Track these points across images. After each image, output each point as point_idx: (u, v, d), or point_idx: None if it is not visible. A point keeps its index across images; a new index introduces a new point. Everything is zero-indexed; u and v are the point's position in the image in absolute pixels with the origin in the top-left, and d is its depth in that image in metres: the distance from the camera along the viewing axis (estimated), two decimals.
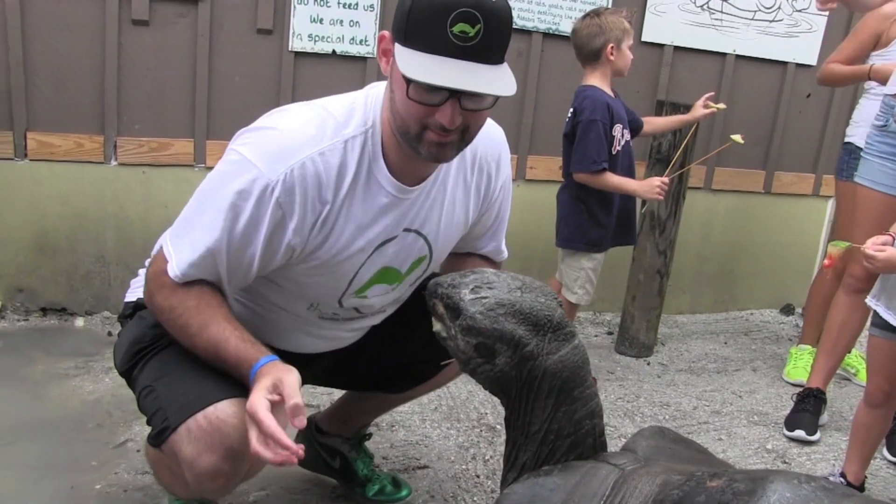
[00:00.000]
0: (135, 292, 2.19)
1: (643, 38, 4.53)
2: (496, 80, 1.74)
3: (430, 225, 2.09)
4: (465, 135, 1.84)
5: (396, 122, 1.83)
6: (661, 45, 4.59)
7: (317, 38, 3.97)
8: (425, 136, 1.80)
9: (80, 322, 3.94)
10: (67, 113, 3.77)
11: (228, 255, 1.86)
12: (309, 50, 3.98)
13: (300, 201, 1.85)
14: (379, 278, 2.11)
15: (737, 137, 3.74)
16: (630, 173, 3.61)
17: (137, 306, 2.15)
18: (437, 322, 1.67)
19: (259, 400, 1.70)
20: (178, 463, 1.88)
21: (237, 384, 1.88)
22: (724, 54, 4.72)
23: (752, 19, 4.69)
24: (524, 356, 1.54)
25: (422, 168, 1.98)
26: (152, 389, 1.96)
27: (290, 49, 3.96)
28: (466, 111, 1.78)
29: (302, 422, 1.68)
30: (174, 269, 1.86)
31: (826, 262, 2.76)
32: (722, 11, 4.62)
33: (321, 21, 3.95)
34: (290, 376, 1.74)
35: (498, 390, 1.62)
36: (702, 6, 4.57)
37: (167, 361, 1.99)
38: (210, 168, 3.85)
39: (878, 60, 3.69)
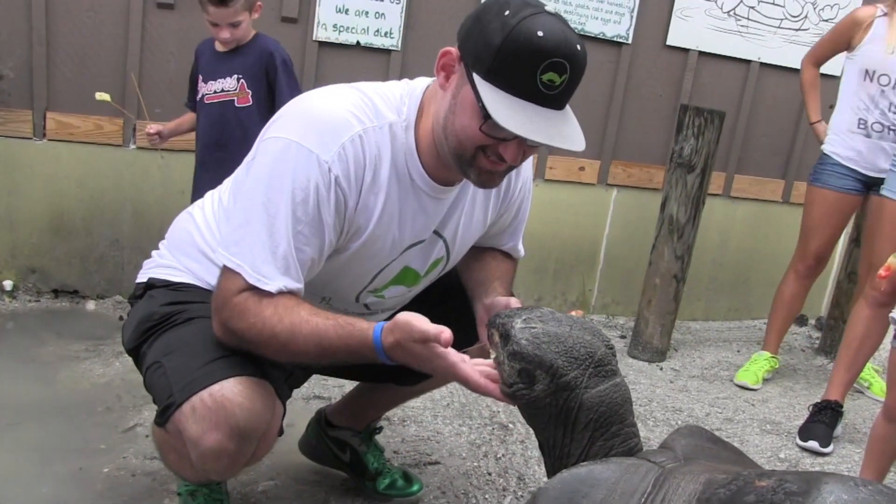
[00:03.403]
0: (146, 273, 2.16)
1: (668, 42, 4.51)
2: (574, 133, 1.76)
3: (450, 227, 2.07)
4: (516, 162, 1.83)
5: (450, 143, 1.79)
6: (685, 50, 4.56)
7: (342, 29, 3.95)
8: (478, 160, 1.78)
9: (91, 305, 3.93)
10: (88, 94, 3.74)
11: (303, 244, 1.80)
12: (333, 40, 3.96)
13: (354, 178, 1.81)
14: (399, 279, 2.09)
15: (104, 97, 3.58)
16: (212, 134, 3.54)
17: (148, 286, 2.11)
18: (493, 350, 1.72)
19: (465, 369, 1.67)
20: (183, 443, 1.85)
21: (248, 363, 1.85)
22: (748, 61, 4.69)
23: (778, 27, 4.65)
24: (560, 386, 1.58)
25: (454, 175, 1.94)
26: (160, 365, 1.91)
27: (314, 38, 3.95)
28: (528, 147, 1.78)
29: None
30: (251, 275, 1.76)
31: (883, 272, 2.75)
32: (748, 18, 4.58)
33: (346, 11, 3.93)
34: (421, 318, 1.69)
35: (535, 418, 1.66)
36: (728, 12, 4.54)
37: (177, 338, 1.95)
38: None
39: (848, 64, 3.85)
